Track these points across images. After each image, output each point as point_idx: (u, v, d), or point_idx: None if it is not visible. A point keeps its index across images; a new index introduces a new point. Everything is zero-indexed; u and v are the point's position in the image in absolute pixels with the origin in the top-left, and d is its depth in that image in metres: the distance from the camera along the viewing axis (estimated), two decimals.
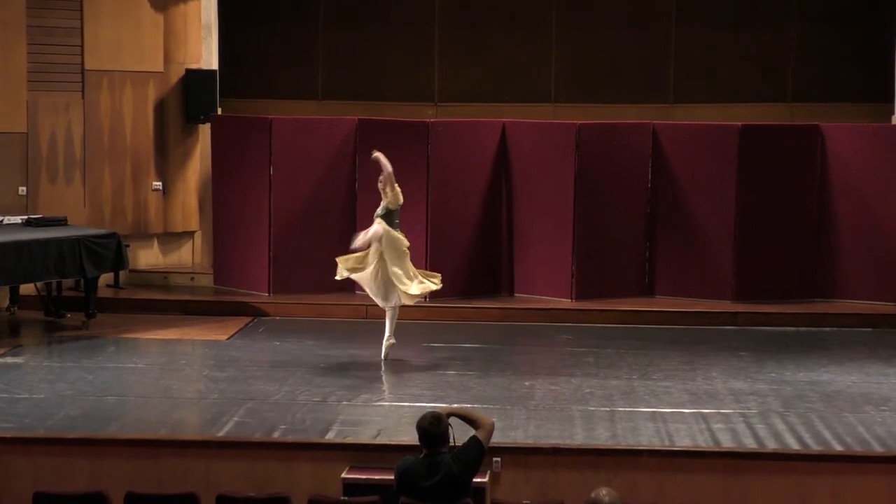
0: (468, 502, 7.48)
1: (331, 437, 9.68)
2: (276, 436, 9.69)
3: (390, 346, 12.19)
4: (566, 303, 14.53)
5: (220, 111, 15.82)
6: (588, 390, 11.22)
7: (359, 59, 16.78)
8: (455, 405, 8.73)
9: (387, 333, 12.18)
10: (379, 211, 12.11)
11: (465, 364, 12.17)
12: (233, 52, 16.39)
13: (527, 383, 11.45)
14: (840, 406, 10.70)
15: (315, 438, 9.63)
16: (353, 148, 14.89)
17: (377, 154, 12.20)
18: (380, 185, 12.14)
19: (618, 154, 14.77)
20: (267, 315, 14.35)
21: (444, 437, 7.49)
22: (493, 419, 7.89)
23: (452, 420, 7.59)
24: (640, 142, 14.83)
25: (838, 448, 9.52)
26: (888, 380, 11.70)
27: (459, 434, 7.62)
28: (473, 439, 7.58)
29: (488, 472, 8.95)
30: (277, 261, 14.78)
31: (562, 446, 9.49)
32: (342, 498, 8.57)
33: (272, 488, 8.57)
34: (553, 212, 14.66)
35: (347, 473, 9.20)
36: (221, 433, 9.75)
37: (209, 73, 15.80)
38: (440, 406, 8.42)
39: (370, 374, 11.75)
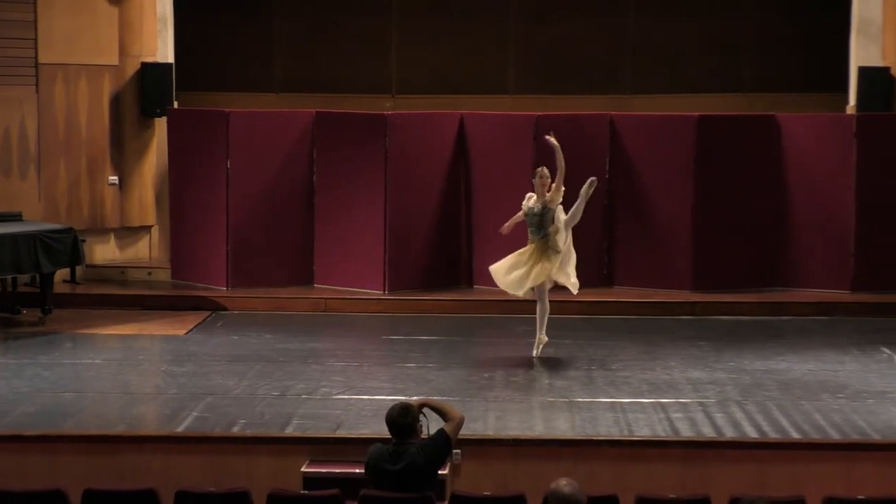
0: (430, 494, 7.48)
1: (290, 431, 9.66)
2: (235, 430, 9.66)
3: (544, 345, 12.00)
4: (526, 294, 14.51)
5: (176, 104, 15.74)
6: (547, 381, 11.24)
7: (316, 52, 16.73)
8: (430, 397, 8.74)
9: (542, 331, 11.93)
10: (535, 209, 11.69)
11: (425, 356, 12.16)
12: (189, 44, 16.30)
13: (486, 375, 11.45)
14: (797, 394, 10.77)
15: (274, 432, 9.61)
16: (311, 141, 14.85)
17: (552, 140, 11.67)
18: (537, 179, 11.70)
19: (576, 145, 14.73)
20: (225, 309, 14.29)
21: (412, 427, 7.52)
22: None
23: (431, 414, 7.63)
24: (598, 133, 14.85)
25: (796, 436, 9.59)
26: (844, 367, 11.79)
27: (436, 426, 7.63)
28: (440, 431, 7.60)
29: (448, 463, 8.95)
30: (235, 255, 14.73)
31: (522, 437, 9.52)
32: (302, 492, 8.55)
33: (232, 483, 8.53)
34: (511, 203, 14.57)
35: (307, 467, 9.18)
36: (180, 428, 9.70)
37: (165, 67, 15.71)
38: (413, 398, 8.43)
39: (329, 368, 11.73)
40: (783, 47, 16.50)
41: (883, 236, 14.59)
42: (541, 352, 12.00)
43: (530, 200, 11.84)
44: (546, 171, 11.78)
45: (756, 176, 14.75)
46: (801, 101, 15.93)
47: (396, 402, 7.70)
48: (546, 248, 11.73)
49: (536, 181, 11.81)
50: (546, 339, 11.99)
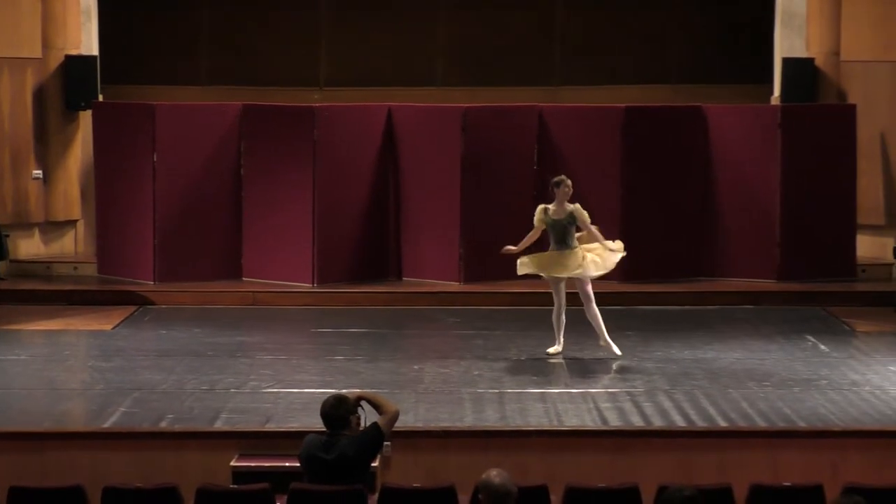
0: (360, 487, 7.48)
1: (219, 425, 9.61)
2: (163, 425, 9.59)
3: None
4: (454, 286, 14.56)
5: (101, 98, 15.59)
6: (477, 373, 11.26)
7: (242, 43, 16.63)
8: (368, 390, 8.74)
9: (604, 333, 11.68)
10: (561, 217, 11.43)
11: (354, 349, 12.14)
12: (113, 37, 16.14)
13: (416, 367, 11.46)
14: (724, 383, 10.87)
15: (203, 427, 9.56)
16: (238, 134, 14.77)
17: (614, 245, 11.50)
18: (562, 189, 11.47)
19: (505, 137, 14.82)
20: (152, 303, 14.18)
21: (345, 419, 7.53)
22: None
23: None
24: (526, 125, 14.89)
25: (723, 424, 9.68)
26: (770, 355, 11.91)
27: (375, 419, 7.65)
28: (373, 425, 7.61)
29: (378, 456, 8.94)
30: (162, 248, 14.61)
31: (451, 429, 9.53)
32: (231, 486, 8.52)
33: (160, 478, 8.47)
34: (440, 196, 14.67)
35: (236, 461, 9.14)
36: (107, 424, 9.63)
37: (89, 59, 15.55)
38: (352, 391, 8.43)
39: (258, 361, 11.67)
40: (709, 39, 16.62)
41: (807, 226, 14.76)
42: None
43: (547, 211, 11.52)
44: (570, 181, 11.60)
45: (683, 166, 14.86)
46: (727, 92, 16.07)
47: (332, 394, 7.71)
48: (563, 254, 11.50)
49: (561, 190, 11.54)
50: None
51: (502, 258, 11.80)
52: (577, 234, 11.61)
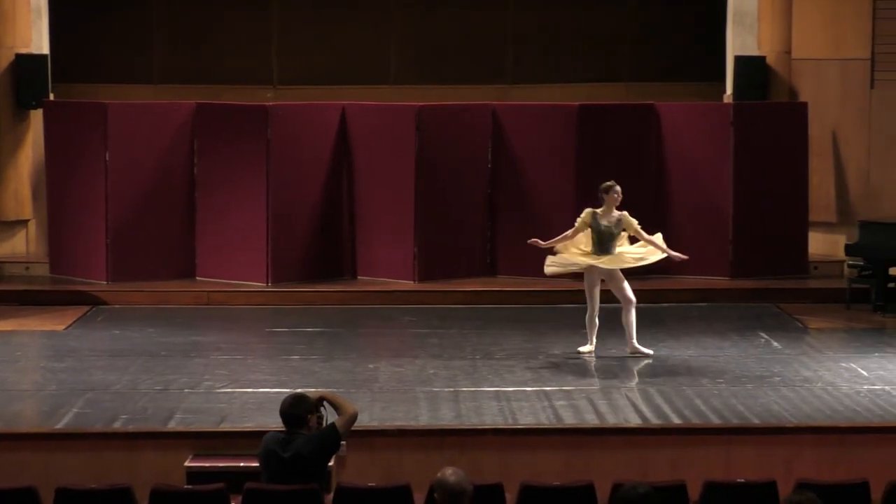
0: (316, 487, 7.47)
1: (173, 425, 9.57)
2: (117, 426, 9.54)
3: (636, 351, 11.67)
4: (409, 284, 14.55)
5: (52, 96, 15.47)
6: (432, 371, 11.26)
7: (195, 41, 16.54)
8: (329, 390, 8.72)
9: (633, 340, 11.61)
10: (610, 225, 11.35)
11: (309, 348, 12.12)
12: (65, 35, 16.01)
13: (371, 366, 11.44)
14: (678, 380, 10.92)
15: (157, 427, 9.52)
16: (192, 132, 14.71)
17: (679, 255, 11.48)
18: (612, 195, 11.39)
19: (458, 136, 14.84)
20: (106, 303, 14.10)
21: (302, 418, 7.54)
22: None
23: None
24: (480, 123, 14.91)
25: (677, 421, 9.73)
26: (724, 353, 11.98)
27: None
28: (330, 425, 7.62)
29: (334, 455, 8.92)
30: (115, 248, 14.52)
31: (407, 428, 9.53)
32: (186, 486, 8.48)
33: (114, 479, 8.42)
34: (394, 194, 14.66)
35: (191, 462, 9.11)
36: (60, 425, 9.56)
37: (40, 58, 15.42)
38: (318, 390, 8.43)
39: (213, 361, 11.62)
40: (661, 37, 16.68)
41: (760, 223, 14.85)
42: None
43: (596, 216, 11.40)
44: (619, 188, 11.50)
45: (636, 165, 14.90)
46: (680, 91, 16.14)
47: (292, 393, 7.73)
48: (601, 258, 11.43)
49: (610, 196, 11.43)
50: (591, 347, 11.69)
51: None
52: (629, 245, 11.42)
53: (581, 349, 11.78)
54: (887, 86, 15.36)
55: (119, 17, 16.52)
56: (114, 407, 9.99)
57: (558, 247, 11.65)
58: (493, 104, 15.10)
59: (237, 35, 16.57)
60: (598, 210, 11.49)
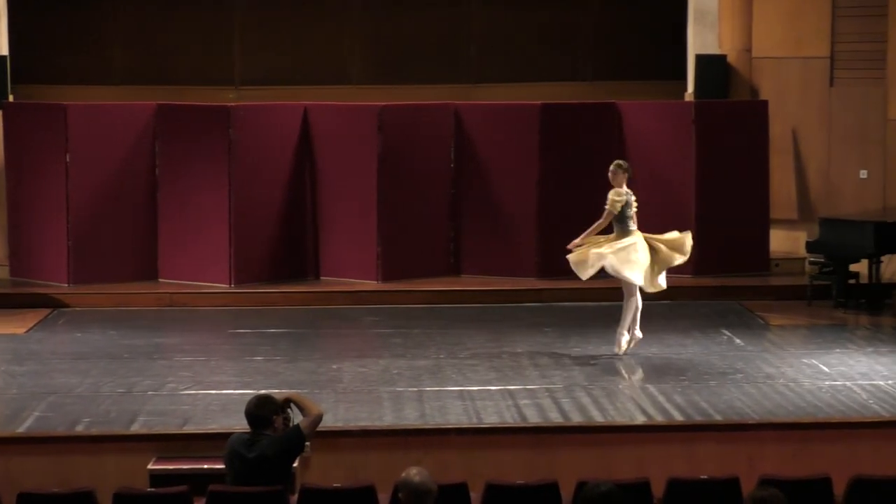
0: (281, 488, 7.46)
1: (136, 428, 9.53)
2: (79, 429, 9.49)
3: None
4: (372, 284, 14.53)
5: (11, 98, 15.36)
6: (396, 371, 11.26)
7: (156, 42, 16.48)
8: (294, 391, 8.71)
9: (637, 327, 11.55)
10: (633, 200, 11.36)
11: (273, 349, 12.09)
12: (24, 36, 15.91)
13: (335, 366, 11.43)
14: (642, 377, 10.95)
15: (120, 430, 9.47)
16: (153, 133, 14.65)
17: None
18: (625, 174, 11.35)
19: (421, 135, 14.83)
20: (67, 306, 14.01)
21: (267, 419, 7.55)
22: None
23: None
24: (442, 123, 14.91)
25: (641, 418, 9.76)
26: (686, 350, 12.02)
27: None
28: (294, 427, 7.62)
29: (298, 456, 8.90)
30: (76, 250, 14.44)
31: (371, 428, 9.53)
32: (149, 489, 8.44)
33: (77, 483, 8.38)
34: (357, 194, 14.64)
35: (154, 464, 9.08)
36: (22, 429, 9.50)
37: None
38: (283, 392, 8.41)
39: (176, 363, 11.58)
40: (623, 36, 16.74)
41: (722, 220, 14.90)
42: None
43: (622, 195, 11.33)
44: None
45: (598, 163, 14.87)
46: (642, 89, 16.19)
47: (258, 394, 7.73)
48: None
49: (624, 175, 11.43)
50: (640, 335, 11.60)
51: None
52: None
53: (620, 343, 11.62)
54: (847, 84, 15.45)
55: (79, 17, 16.44)
56: (76, 410, 9.94)
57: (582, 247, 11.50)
58: (456, 104, 15.10)
59: (198, 35, 16.52)
60: (619, 189, 11.41)
